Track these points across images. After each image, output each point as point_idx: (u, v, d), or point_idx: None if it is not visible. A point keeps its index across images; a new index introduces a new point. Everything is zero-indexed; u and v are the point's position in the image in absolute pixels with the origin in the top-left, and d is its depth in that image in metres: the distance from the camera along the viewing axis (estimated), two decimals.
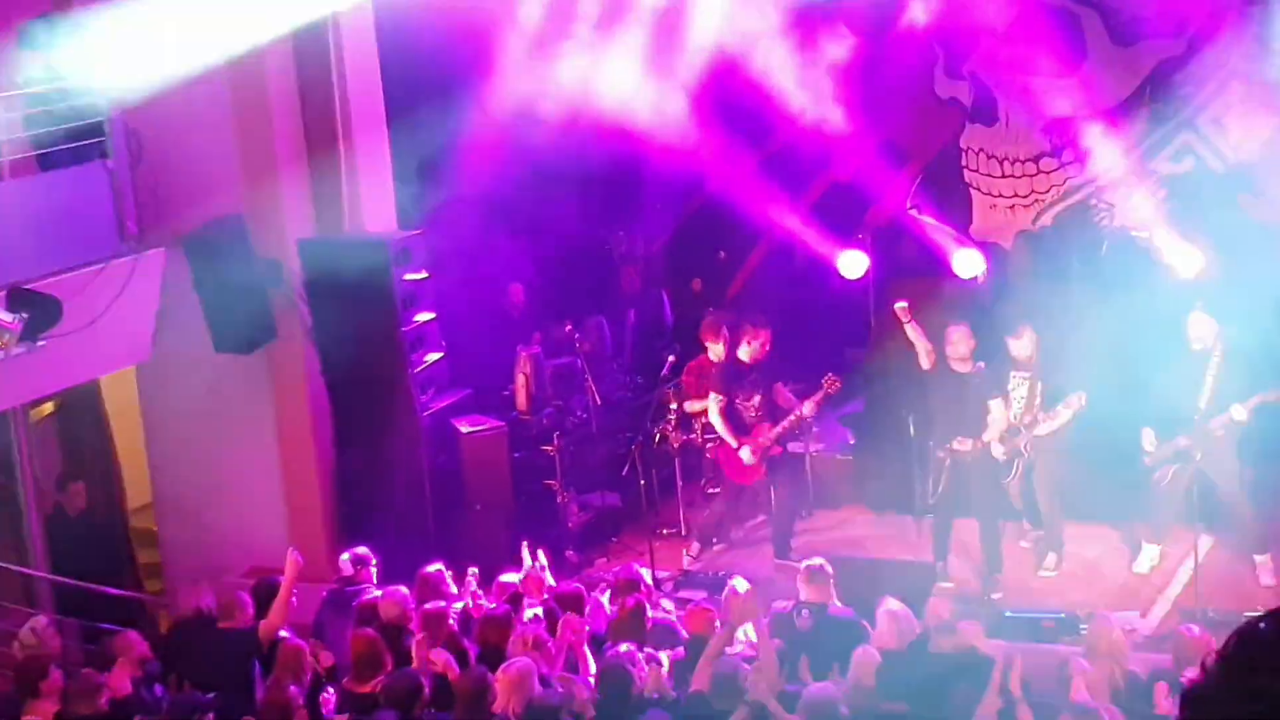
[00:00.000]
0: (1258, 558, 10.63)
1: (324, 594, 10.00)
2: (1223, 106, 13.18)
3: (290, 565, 9.22)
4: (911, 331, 11.07)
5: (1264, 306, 11.41)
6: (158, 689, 8.83)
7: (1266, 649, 1.48)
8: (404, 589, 9.30)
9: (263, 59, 11.19)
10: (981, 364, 10.99)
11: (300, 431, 11.84)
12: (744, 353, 11.67)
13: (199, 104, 11.21)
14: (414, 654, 8.46)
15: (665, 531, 12.53)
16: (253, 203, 11.36)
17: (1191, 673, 7.32)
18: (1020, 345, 11.00)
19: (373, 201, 11.96)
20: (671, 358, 12.64)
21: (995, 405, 10.90)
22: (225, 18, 10.60)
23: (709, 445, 12.33)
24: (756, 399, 11.67)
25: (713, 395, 11.74)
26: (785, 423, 11.57)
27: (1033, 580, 11.17)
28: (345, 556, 10.01)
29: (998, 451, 11.00)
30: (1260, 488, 10.97)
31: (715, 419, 11.73)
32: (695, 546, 12.11)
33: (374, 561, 9.96)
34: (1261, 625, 1.51)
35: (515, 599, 9.30)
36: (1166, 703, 7.65)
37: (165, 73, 10.24)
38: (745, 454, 11.59)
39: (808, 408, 11.46)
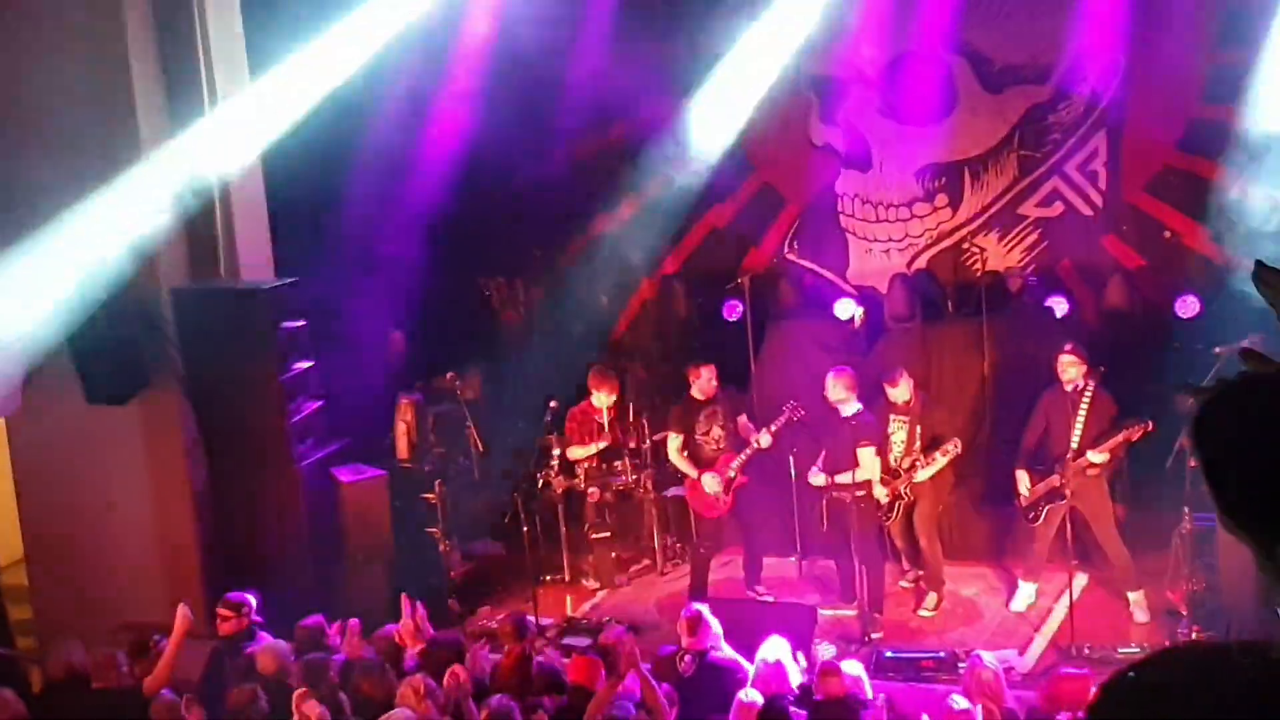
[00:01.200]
0: (1131, 595, 10.82)
1: (210, 648, 9.77)
2: (1090, 152, 13.50)
3: (180, 620, 9.06)
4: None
5: (1131, 347, 11.68)
6: None
7: (1133, 703, 1.48)
8: (282, 641, 9.15)
9: (134, 96, 11.03)
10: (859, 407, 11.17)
11: (175, 483, 11.61)
12: (695, 390, 11.76)
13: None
14: (294, 707, 8.31)
15: (549, 578, 12.50)
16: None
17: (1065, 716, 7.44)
18: (897, 391, 11.20)
19: (249, 249, 11.81)
20: (553, 404, 12.62)
21: (864, 454, 11.07)
22: None
23: (590, 490, 12.36)
24: (715, 432, 11.74)
25: (671, 434, 11.86)
26: (745, 453, 11.62)
27: (912, 620, 11.28)
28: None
29: (880, 493, 11.16)
30: (1131, 525, 11.20)
31: (675, 457, 11.86)
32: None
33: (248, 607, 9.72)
34: (1130, 674, 1.52)
35: (395, 650, 9.19)
36: None
37: None
38: (708, 481, 11.64)
39: (764, 439, 11.51)
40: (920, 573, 11.58)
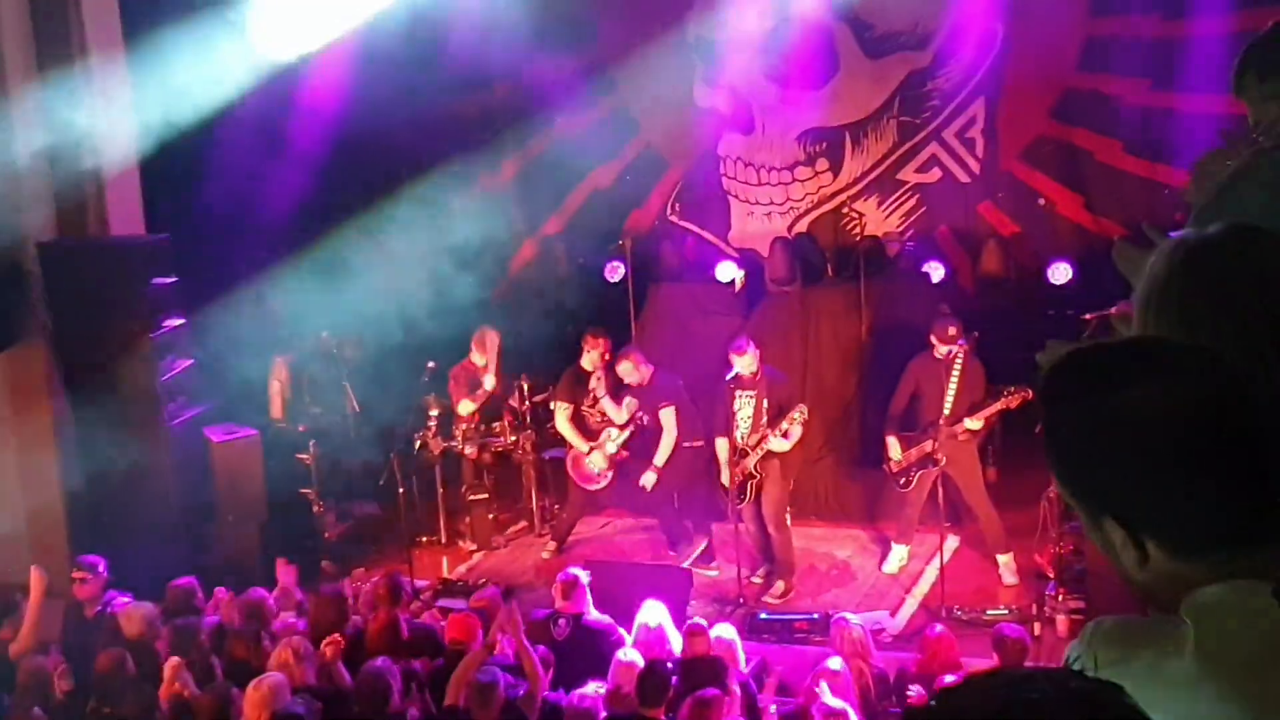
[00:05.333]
0: (1000, 557, 10.96)
1: (64, 608, 9.61)
2: (968, 120, 13.66)
3: (35, 583, 8.89)
4: None
5: (1005, 313, 11.80)
6: None
7: None
8: (149, 604, 9.01)
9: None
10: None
11: (41, 440, 11.35)
12: (586, 361, 11.69)
13: None
14: (166, 676, 8.19)
15: (424, 540, 12.42)
16: None
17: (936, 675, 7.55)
18: (743, 361, 10.80)
19: (118, 203, 11.55)
20: (431, 364, 12.52)
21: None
22: None
23: (469, 451, 12.27)
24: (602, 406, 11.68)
25: (559, 404, 11.78)
26: (629, 431, 11.53)
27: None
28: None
29: (726, 478, 11.03)
30: (1001, 488, 11.35)
31: (563, 427, 11.78)
32: (553, 545, 12.07)
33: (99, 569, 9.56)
34: (932, 704, 1.54)
35: (266, 614, 9.09)
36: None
37: None
38: (595, 459, 11.62)
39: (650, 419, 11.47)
40: (769, 566, 11.25)
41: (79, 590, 9.41)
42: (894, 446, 10.90)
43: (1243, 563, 1.90)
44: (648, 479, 11.40)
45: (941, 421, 10.66)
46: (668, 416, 11.35)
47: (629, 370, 11.38)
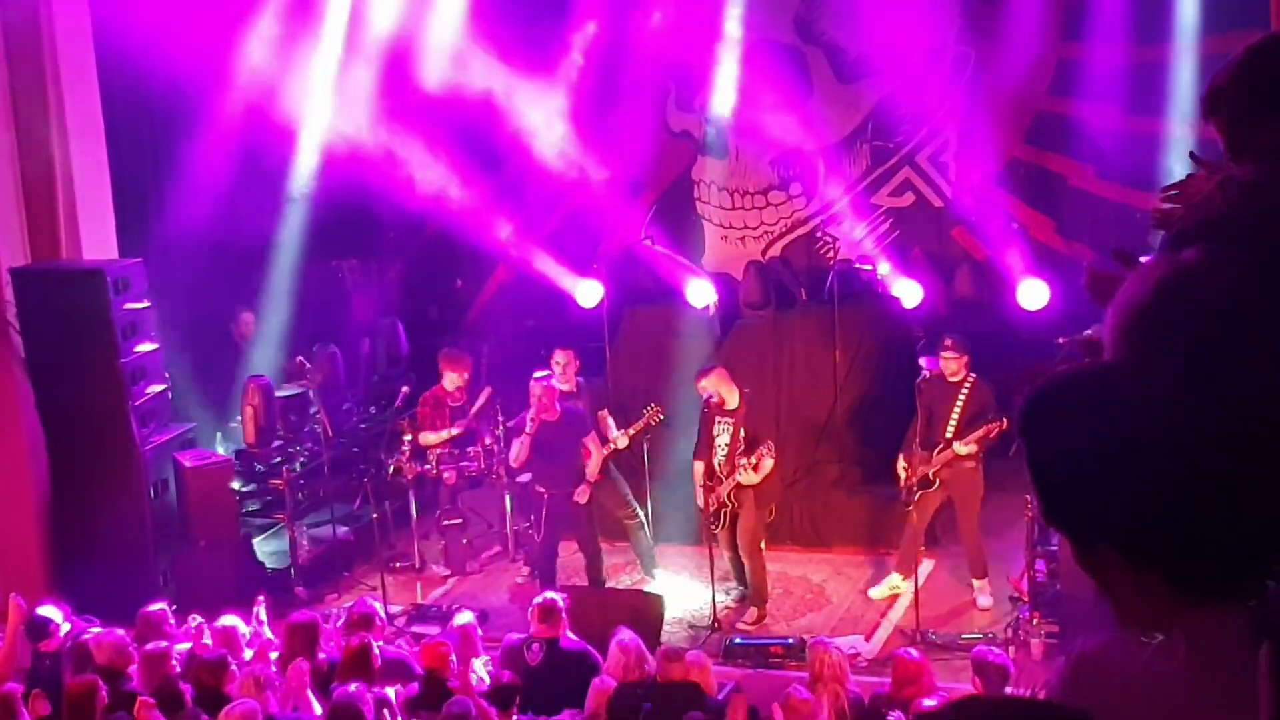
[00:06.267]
0: (976, 582, 10.97)
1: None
2: (941, 144, 13.71)
3: (13, 611, 8.84)
4: None
5: (979, 337, 11.79)
6: None
7: None
8: (119, 631, 8.95)
9: None
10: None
11: (14, 467, 11.27)
12: (556, 380, 11.63)
13: None
14: (136, 713, 8.12)
15: (398, 565, 12.36)
16: None
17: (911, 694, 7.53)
18: (700, 385, 10.92)
19: (91, 228, 11.50)
20: (406, 388, 12.48)
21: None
22: None
23: (444, 475, 12.22)
24: None
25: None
26: (604, 451, 11.43)
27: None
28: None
29: (702, 501, 11.00)
30: (988, 514, 11.34)
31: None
32: (526, 571, 12.01)
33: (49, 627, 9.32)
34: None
35: (236, 641, 9.03)
36: None
37: None
38: None
39: (621, 440, 11.42)
40: (744, 590, 11.24)
41: (45, 647, 9.23)
42: (900, 465, 10.91)
43: (1241, 586, 1.88)
44: (581, 495, 11.39)
45: (940, 445, 10.67)
46: (592, 442, 11.35)
47: (537, 393, 11.33)
